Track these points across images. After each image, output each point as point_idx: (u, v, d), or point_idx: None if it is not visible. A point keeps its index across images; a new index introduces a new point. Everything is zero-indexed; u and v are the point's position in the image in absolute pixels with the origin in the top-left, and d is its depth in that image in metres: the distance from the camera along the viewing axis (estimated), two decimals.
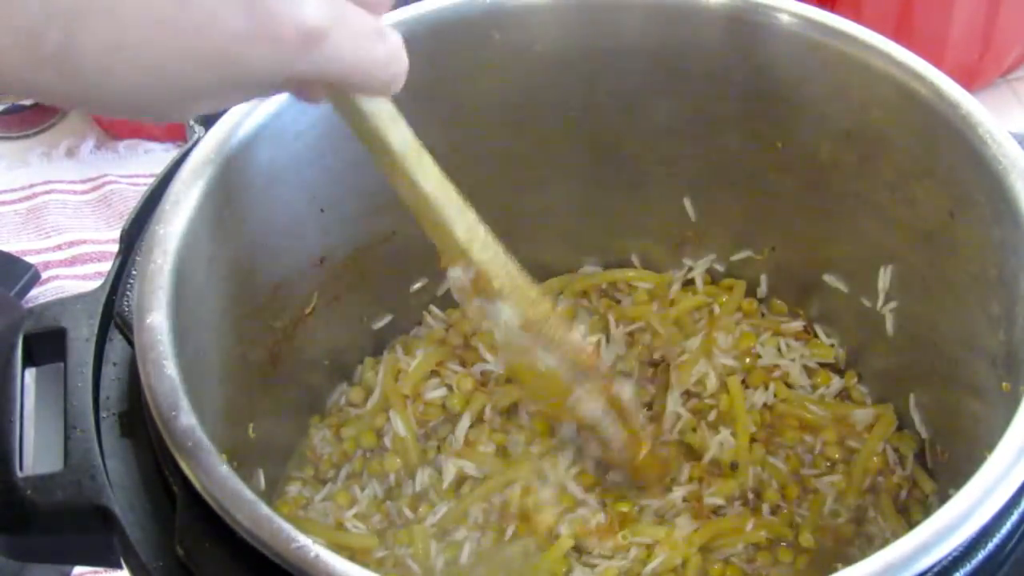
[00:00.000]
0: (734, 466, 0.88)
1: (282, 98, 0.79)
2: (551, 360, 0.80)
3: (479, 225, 0.76)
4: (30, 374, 0.76)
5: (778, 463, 0.89)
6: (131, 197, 1.41)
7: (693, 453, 0.91)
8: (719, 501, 0.86)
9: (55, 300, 0.77)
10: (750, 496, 0.87)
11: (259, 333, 0.83)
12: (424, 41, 0.84)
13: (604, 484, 0.88)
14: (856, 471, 0.88)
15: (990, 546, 0.61)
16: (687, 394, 0.93)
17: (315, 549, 0.58)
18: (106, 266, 1.12)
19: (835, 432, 0.91)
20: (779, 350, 0.96)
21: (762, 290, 0.99)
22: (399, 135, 0.70)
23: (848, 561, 0.81)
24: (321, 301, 0.90)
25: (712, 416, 0.91)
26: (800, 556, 0.85)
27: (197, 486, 0.60)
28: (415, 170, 0.71)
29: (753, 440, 0.90)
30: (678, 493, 0.87)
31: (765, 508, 0.86)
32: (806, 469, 0.90)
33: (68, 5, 0.50)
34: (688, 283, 1.00)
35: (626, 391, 0.87)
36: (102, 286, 0.77)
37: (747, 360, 0.94)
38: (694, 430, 0.91)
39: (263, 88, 0.59)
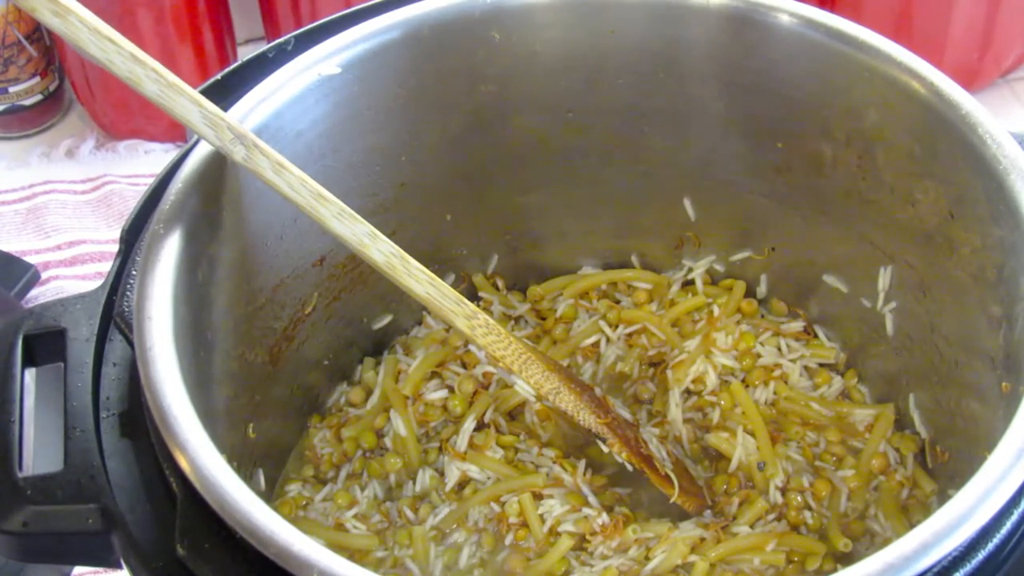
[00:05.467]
0: (761, 466, 0.88)
1: (282, 98, 0.79)
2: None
3: (478, 313, 0.81)
4: (30, 374, 0.76)
5: (796, 456, 0.89)
6: (131, 197, 1.41)
7: (708, 453, 0.92)
8: (746, 528, 0.86)
9: (55, 300, 0.77)
10: (777, 497, 0.87)
11: (259, 333, 0.83)
12: (425, 41, 0.84)
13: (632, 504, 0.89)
14: (861, 469, 0.88)
15: (990, 546, 0.61)
16: (687, 393, 0.93)
17: (315, 549, 0.58)
18: (106, 266, 1.12)
19: (838, 432, 0.91)
20: (779, 350, 0.96)
21: (762, 290, 0.99)
22: (379, 251, 0.75)
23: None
24: (321, 301, 0.90)
25: (716, 415, 0.91)
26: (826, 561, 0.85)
27: (197, 486, 0.60)
28: (404, 279, 0.77)
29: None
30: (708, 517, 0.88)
31: (792, 514, 0.87)
32: (818, 463, 0.90)
33: None
34: (688, 283, 1.01)
35: (646, 439, 0.89)
36: (102, 286, 0.77)
37: (746, 360, 0.94)
38: (707, 431, 0.91)
39: None
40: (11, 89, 1.46)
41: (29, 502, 0.68)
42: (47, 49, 1.47)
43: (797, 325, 0.97)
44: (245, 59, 0.87)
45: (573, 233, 1.00)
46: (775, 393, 0.93)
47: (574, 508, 0.85)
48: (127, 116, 1.46)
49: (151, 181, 0.80)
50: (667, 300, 0.99)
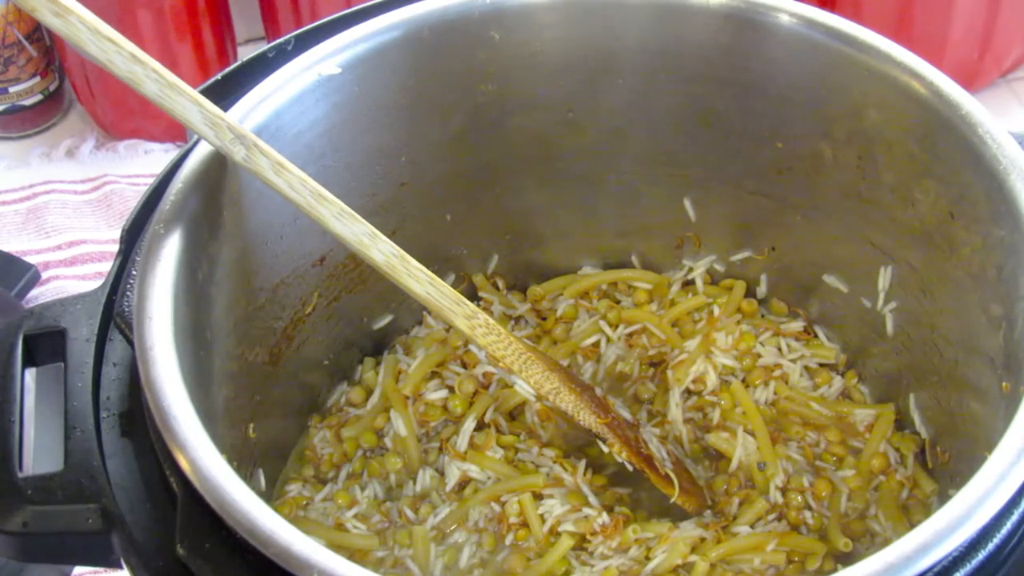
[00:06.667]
0: (761, 466, 0.88)
1: (282, 98, 0.79)
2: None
3: (479, 313, 0.81)
4: (30, 374, 0.76)
5: (796, 456, 0.89)
6: (131, 197, 1.41)
7: (709, 453, 0.92)
8: (746, 528, 0.86)
9: (55, 300, 0.77)
10: (777, 497, 0.87)
11: (259, 333, 0.83)
12: (425, 41, 0.84)
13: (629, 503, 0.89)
14: (861, 469, 0.88)
15: (990, 546, 0.61)
16: (687, 393, 0.93)
17: (315, 549, 0.58)
18: (106, 266, 1.12)
19: (838, 432, 0.91)
20: (779, 350, 0.96)
21: (762, 290, 0.99)
22: (379, 251, 0.75)
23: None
24: (321, 301, 0.90)
25: (716, 415, 0.91)
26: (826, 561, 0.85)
27: (197, 486, 0.60)
28: (404, 279, 0.77)
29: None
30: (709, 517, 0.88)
31: (792, 514, 0.87)
32: (818, 463, 0.90)
33: None
34: (688, 283, 1.01)
35: (646, 439, 0.89)
36: (102, 286, 0.77)
37: (747, 360, 0.94)
38: (707, 431, 0.91)
39: None
40: (11, 89, 1.46)
41: (29, 502, 0.68)
42: (47, 49, 1.47)
43: (797, 325, 0.97)
44: (245, 59, 0.87)
45: (573, 233, 1.00)
46: (775, 393, 0.93)
47: (574, 508, 0.85)
48: (127, 116, 1.46)
49: (151, 181, 0.80)
50: (667, 300, 0.99)
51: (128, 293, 0.74)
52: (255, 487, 0.82)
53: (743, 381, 0.93)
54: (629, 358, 0.96)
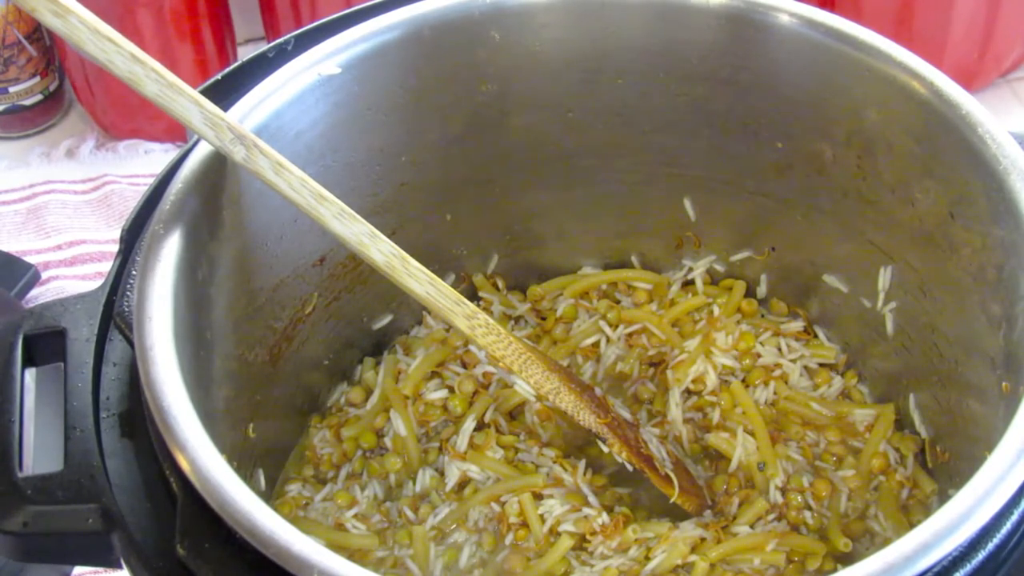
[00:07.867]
0: (761, 466, 0.88)
1: (282, 98, 0.79)
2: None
3: (479, 313, 0.81)
4: (30, 374, 0.76)
5: (796, 456, 0.90)
6: (131, 197, 1.41)
7: (709, 453, 0.92)
8: (746, 528, 0.86)
9: (55, 300, 0.77)
10: (777, 497, 0.87)
11: (259, 333, 0.83)
12: (425, 41, 0.84)
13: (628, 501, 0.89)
14: (861, 469, 0.89)
15: (990, 546, 0.61)
16: (687, 393, 0.93)
17: (315, 549, 0.58)
18: (106, 266, 1.12)
19: (838, 432, 0.91)
20: (779, 350, 0.96)
21: (762, 290, 0.99)
22: (379, 251, 0.75)
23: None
24: (321, 301, 0.90)
25: (716, 415, 0.91)
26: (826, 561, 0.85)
27: (197, 486, 0.61)
28: (404, 279, 0.77)
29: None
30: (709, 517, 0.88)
31: (792, 514, 0.87)
32: (818, 463, 0.90)
33: None
34: (688, 283, 1.01)
35: (646, 439, 0.89)
36: (102, 286, 0.77)
37: (746, 360, 0.94)
38: (707, 431, 0.91)
39: None
40: (11, 89, 1.46)
41: (29, 502, 0.68)
42: (47, 49, 1.47)
43: (797, 325, 0.97)
44: (245, 59, 0.87)
45: (573, 233, 1.00)
46: (775, 393, 0.93)
47: (574, 508, 0.85)
48: (127, 116, 1.46)
49: (151, 181, 0.81)
50: (667, 300, 0.99)
51: (128, 293, 0.74)
52: (255, 487, 0.82)
53: (743, 381, 0.93)
54: (629, 358, 0.96)
